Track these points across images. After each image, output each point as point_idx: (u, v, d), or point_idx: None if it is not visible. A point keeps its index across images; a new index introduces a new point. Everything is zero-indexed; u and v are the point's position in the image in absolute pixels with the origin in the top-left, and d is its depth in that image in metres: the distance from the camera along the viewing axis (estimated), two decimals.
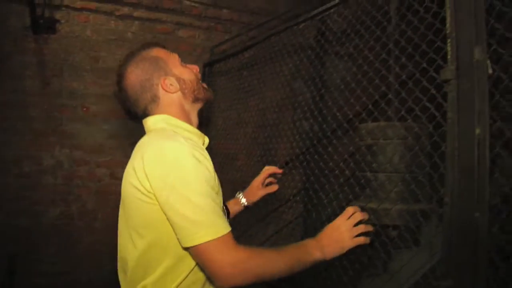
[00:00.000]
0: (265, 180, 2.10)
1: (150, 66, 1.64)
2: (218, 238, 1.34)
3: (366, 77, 2.06)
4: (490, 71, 1.34)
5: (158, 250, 1.47)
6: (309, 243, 1.58)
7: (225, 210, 1.63)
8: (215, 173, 1.50)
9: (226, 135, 3.57)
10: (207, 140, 1.74)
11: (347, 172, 2.25)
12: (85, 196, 3.99)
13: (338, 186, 2.40)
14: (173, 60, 1.70)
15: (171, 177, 1.37)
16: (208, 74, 3.96)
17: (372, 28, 1.95)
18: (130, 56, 1.69)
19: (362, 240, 1.62)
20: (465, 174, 1.36)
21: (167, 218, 1.41)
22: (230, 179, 3.34)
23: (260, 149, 3.33)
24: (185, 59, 4.35)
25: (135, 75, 1.63)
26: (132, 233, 1.50)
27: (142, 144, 1.52)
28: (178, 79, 1.66)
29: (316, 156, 2.59)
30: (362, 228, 1.63)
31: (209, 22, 4.41)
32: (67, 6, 3.92)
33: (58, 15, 3.92)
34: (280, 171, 2.09)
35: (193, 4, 4.30)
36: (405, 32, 1.91)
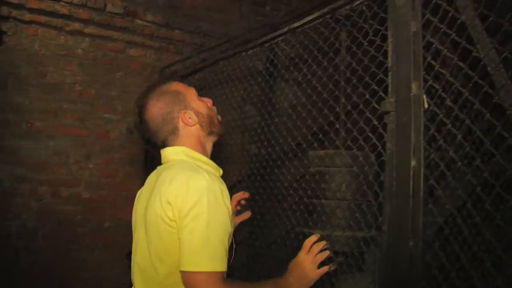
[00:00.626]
0: (235, 208, 2.12)
1: (171, 99, 1.75)
2: (212, 272, 1.45)
3: (314, 105, 2.10)
4: (426, 105, 1.40)
5: (178, 276, 1.53)
6: (280, 282, 1.68)
7: (233, 248, 1.71)
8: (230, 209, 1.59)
9: None
10: (221, 172, 1.83)
11: (293, 197, 2.27)
12: (25, 214, 3.84)
13: (282, 210, 2.43)
14: (191, 94, 1.80)
15: (194, 209, 1.47)
16: None
17: (319, 59, 2.00)
18: (151, 89, 1.80)
19: (326, 269, 1.73)
20: (401, 204, 1.41)
21: (180, 242, 1.50)
22: None
23: None
24: (136, 79, 4.33)
25: (157, 107, 1.74)
26: (154, 259, 1.59)
27: (168, 176, 1.59)
28: (197, 113, 1.77)
29: (262, 181, 2.60)
30: (322, 257, 1.73)
31: (160, 42, 4.39)
32: (15, 18, 3.81)
33: (5, 26, 3.81)
34: (246, 195, 2.14)
35: (145, 23, 4.27)
36: (351, 63, 1.97)
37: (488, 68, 1.35)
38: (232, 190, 3.44)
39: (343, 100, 2.05)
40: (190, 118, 1.75)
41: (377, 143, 1.69)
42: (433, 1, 1.50)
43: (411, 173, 1.38)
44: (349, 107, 2.02)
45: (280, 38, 2.24)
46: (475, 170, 1.41)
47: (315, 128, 2.19)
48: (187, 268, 1.47)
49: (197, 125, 1.77)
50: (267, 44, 2.31)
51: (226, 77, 2.74)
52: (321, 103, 2.07)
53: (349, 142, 1.95)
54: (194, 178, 1.52)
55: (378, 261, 1.51)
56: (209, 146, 1.84)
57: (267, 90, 2.80)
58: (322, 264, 1.75)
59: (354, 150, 1.91)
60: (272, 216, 2.58)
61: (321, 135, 2.10)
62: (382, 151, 1.60)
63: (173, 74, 3.83)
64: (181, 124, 1.74)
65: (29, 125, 3.90)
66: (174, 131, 1.75)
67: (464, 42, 1.39)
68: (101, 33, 4.16)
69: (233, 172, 3.48)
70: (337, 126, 1.99)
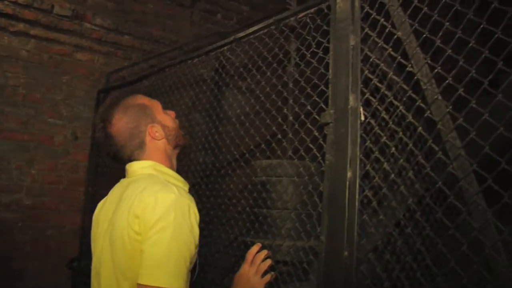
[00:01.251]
0: None
1: (137, 113, 1.70)
2: None
3: (258, 115, 2.11)
4: (362, 118, 1.43)
5: None
6: None
7: (196, 268, 1.66)
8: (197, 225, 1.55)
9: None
10: (188, 186, 1.79)
11: (236, 207, 2.27)
12: None
13: (226, 220, 2.42)
14: (156, 107, 1.78)
15: (160, 223, 1.42)
16: (103, 100, 3.86)
17: (263, 69, 2.01)
18: (115, 103, 1.74)
19: (268, 277, 1.75)
20: (337, 215, 1.42)
21: (141, 254, 1.45)
22: None
23: None
24: (82, 83, 4.22)
25: (123, 122, 1.69)
26: (118, 275, 1.53)
27: (136, 189, 1.55)
28: (163, 126, 1.74)
29: (207, 189, 2.58)
30: (265, 266, 1.76)
31: (109, 47, 4.31)
32: None
33: None
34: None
35: (93, 27, 4.19)
36: (296, 75, 1.99)
37: (421, 83, 1.39)
38: None
39: (285, 110, 2.06)
40: (157, 132, 1.71)
41: (317, 154, 1.71)
42: (372, 16, 1.54)
43: (347, 184, 1.41)
44: (290, 118, 2.04)
45: (226, 47, 2.24)
46: (407, 181, 1.45)
47: (257, 139, 2.20)
48: (145, 281, 1.41)
49: (164, 139, 1.74)
50: (213, 53, 2.31)
51: (172, 84, 2.72)
52: (266, 113, 2.08)
53: (290, 153, 1.97)
54: (163, 191, 1.48)
55: (316, 270, 1.52)
56: (174, 160, 1.82)
57: (212, 99, 2.79)
58: (265, 273, 1.76)
59: (295, 160, 1.92)
60: (216, 225, 2.57)
61: (263, 145, 2.11)
62: (322, 162, 1.62)
63: (120, 79, 3.77)
64: (148, 138, 1.71)
65: None
66: (141, 145, 1.70)
67: (399, 57, 1.42)
68: (47, 35, 4.04)
69: None
70: (279, 136, 2.00)
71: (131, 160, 1.72)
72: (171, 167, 1.76)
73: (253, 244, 1.86)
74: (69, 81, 4.15)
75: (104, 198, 1.80)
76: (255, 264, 1.75)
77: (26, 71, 3.98)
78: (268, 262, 1.77)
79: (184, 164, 2.74)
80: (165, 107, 1.86)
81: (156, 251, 1.41)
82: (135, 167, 1.70)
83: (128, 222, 1.48)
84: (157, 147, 1.72)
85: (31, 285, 3.87)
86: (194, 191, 2.94)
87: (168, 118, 1.78)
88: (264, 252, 1.79)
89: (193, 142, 2.66)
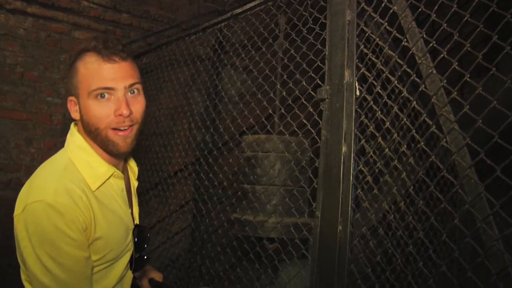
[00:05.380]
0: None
1: (70, 74, 1.44)
2: None
3: (256, 93, 2.10)
4: (358, 93, 1.43)
5: None
6: None
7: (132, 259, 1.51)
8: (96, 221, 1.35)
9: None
10: (112, 172, 1.50)
11: (230, 183, 2.28)
12: None
13: (225, 197, 2.43)
14: (90, 83, 1.46)
15: (25, 251, 1.27)
16: None
17: (257, 44, 2.00)
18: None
19: None
20: (331, 190, 1.43)
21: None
22: None
23: (154, 157, 3.29)
24: None
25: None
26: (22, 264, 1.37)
27: (30, 183, 1.36)
28: (84, 113, 1.47)
29: (206, 167, 2.59)
30: None
31: (107, 25, 4.27)
32: None
33: None
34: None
35: (91, 5, 4.15)
36: (289, 50, 1.98)
37: (416, 57, 1.38)
38: (176, 175, 3.45)
39: (278, 85, 2.05)
40: (75, 111, 1.44)
41: (312, 130, 1.71)
42: None
43: (342, 159, 1.41)
44: (284, 94, 2.03)
45: (223, 24, 2.22)
46: (402, 157, 1.45)
47: (252, 116, 2.19)
48: None
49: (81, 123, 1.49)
50: (210, 29, 2.29)
51: (167, 61, 2.71)
52: (263, 91, 2.07)
53: (281, 128, 1.96)
54: (30, 205, 1.27)
55: (311, 246, 1.53)
56: None
57: (209, 76, 2.78)
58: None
59: (287, 135, 1.91)
60: (214, 203, 2.58)
61: (260, 123, 2.10)
62: (317, 137, 1.62)
63: None
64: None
65: None
66: None
67: (395, 32, 1.41)
68: (45, 13, 4.00)
69: (181, 159, 3.46)
70: (273, 113, 2.00)
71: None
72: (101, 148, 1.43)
73: (243, 220, 1.85)
74: (67, 60, 4.12)
75: None
76: None
77: (24, 50, 3.94)
78: None
79: (185, 142, 2.75)
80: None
81: (42, 278, 1.25)
82: (68, 139, 1.47)
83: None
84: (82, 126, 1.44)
85: None
86: (193, 168, 2.95)
87: (95, 110, 1.37)
88: None
89: (192, 119, 2.66)
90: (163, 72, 2.89)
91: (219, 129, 2.46)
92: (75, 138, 1.44)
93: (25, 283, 1.37)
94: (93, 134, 1.39)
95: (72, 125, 1.49)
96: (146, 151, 3.30)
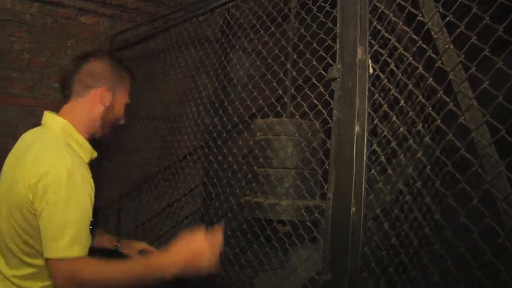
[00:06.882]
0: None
1: (111, 68, 1.85)
2: (70, 258, 1.47)
3: (266, 75, 2.06)
4: (371, 70, 1.38)
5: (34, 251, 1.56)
6: (152, 263, 1.62)
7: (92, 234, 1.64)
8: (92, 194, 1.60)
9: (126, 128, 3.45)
10: (94, 155, 1.80)
11: (241, 167, 2.25)
12: None
13: (235, 181, 2.40)
14: (126, 87, 1.91)
15: (52, 196, 1.48)
16: None
17: (267, 25, 1.95)
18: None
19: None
20: (344, 171, 1.39)
21: (40, 226, 1.51)
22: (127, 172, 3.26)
23: (162, 141, 3.26)
24: (87, 47, 4.15)
25: (98, 62, 1.82)
26: (18, 241, 1.58)
27: (33, 151, 1.60)
28: (113, 105, 1.85)
29: (215, 150, 2.56)
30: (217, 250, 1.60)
31: (114, 10, 4.22)
32: None
33: None
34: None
35: None
36: (299, 30, 1.93)
37: (432, 33, 1.33)
38: (185, 159, 3.42)
39: (288, 66, 2.00)
40: (107, 100, 1.80)
41: (323, 110, 1.67)
42: None
43: (355, 139, 1.37)
44: (294, 74, 1.98)
45: (231, 4, 2.17)
46: (416, 136, 1.41)
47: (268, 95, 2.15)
48: (46, 255, 1.48)
49: (103, 111, 1.81)
50: (218, 10, 2.24)
51: (175, 44, 2.67)
52: (272, 71, 2.02)
53: (291, 109, 1.92)
54: (56, 161, 1.52)
55: (323, 229, 1.49)
56: (97, 131, 1.84)
57: (217, 58, 2.74)
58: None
59: (297, 117, 1.87)
60: (224, 186, 2.55)
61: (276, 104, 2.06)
62: (328, 118, 1.58)
63: (124, 42, 3.70)
64: (92, 93, 1.77)
65: None
66: (83, 93, 1.76)
67: (409, 7, 1.36)
68: None
69: (189, 143, 3.43)
70: (283, 95, 1.96)
71: (64, 96, 1.77)
72: (87, 133, 1.76)
73: (255, 204, 1.82)
74: (74, 45, 4.09)
75: (14, 147, 1.77)
76: (213, 243, 1.60)
77: (30, 35, 3.91)
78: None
79: (193, 126, 2.71)
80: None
81: (51, 225, 1.47)
82: (50, 120, 1.72)
83: (24, 191, 1.51)
84: (89, 108, 1.75)
85: None
86: (202, 152, 2.92)
87: (122, 105, 1.86)
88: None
89: (201, 103, 2.62)
90: (171, 55, 2.85)
91: (228, 111, 2.42)
92: (61, 122, 1.70)
93: (22, 266, 1.57)
94: (103, 121, 1.79)
95: (48, 112, 1.75)
96: (154, 136, 3.27)
